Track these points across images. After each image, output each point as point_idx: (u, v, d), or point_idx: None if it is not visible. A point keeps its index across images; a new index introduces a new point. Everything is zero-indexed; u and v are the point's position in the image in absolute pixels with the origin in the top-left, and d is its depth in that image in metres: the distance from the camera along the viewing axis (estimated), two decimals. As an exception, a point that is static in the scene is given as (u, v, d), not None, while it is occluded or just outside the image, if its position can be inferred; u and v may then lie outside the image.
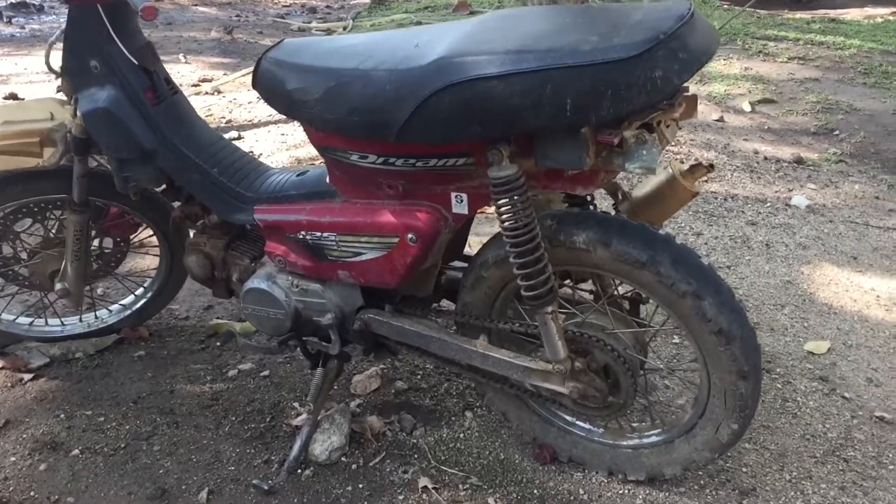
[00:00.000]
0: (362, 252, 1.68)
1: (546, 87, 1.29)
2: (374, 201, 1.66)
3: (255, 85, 1.66)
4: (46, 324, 2.37)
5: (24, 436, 1.97)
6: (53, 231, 2.18)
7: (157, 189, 2.00)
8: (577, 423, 1.80)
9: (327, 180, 1.75)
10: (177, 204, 2.04)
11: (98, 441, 1.94)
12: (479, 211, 1.63)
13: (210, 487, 1.78)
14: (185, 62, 6.00)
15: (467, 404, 2.02)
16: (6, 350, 2.30)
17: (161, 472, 1.84)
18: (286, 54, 1.61)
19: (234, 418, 2.01)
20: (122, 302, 2.42)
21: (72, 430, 1.99)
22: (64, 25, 1.84)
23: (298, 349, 1.88)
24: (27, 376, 2.20)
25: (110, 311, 2.40)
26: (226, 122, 4.39)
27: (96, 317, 2.39)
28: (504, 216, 1.47)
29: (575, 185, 1.48)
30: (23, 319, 2.34)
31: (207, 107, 4.74)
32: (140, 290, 2.41)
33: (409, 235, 1.60)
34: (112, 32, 1.77)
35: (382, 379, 2.11)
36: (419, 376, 2.14)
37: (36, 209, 2.12)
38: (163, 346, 2.36)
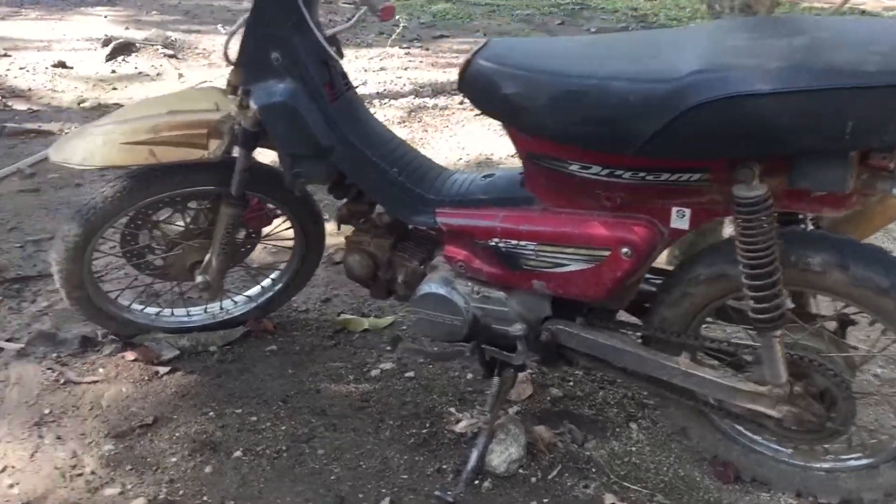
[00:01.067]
0: (565, 263, 1.62)
1: (827, 108, 1.24)
2: (581, 211, 1.61)
3: (462, 87, 1.60)
4: (172, 314, 2.30)
5: (178, 434, 1.92)
6: (194, 222, 2.11)
7: (325, 186, 1.93)
8: (764, 442, 1.76)
9: (523, 186, 1.69)
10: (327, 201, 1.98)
11: (257, 442, 1.89)
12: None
13: (390, 497, 1.73)
14: (226, 33, 5.88)
15: (629, 415, 1.98)
16: (134, 341, 2.24)
17: (332, 478, 1.79)
18: (501, 56, 1.55)
19: (391, 422, 1.96)
20: (248, 293, 2.36)
21: (226, 429, 1.93)
22: (246, 15, 1.76)
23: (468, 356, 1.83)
24: (162, 369, 2.14)
25: (235, 302, 2.34)
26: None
27: (221, 308, 2.33)
28: (746, 237, 1.42)
29: (822, 206, 1.43)
30: (150, 309, 2.28)
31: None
32: (267, 282, 2.35)
33: (624, 249, 1.55)
34: (311, 24, 1.70)
35: (534, 385, 2.06)
36: (571, 383, 2.10)
37: (178, 199, 2.05)
38: (292, 340, 2.31)
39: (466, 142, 3.63)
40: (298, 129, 1.78)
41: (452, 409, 1.99)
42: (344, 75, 1.86)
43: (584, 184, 1.54)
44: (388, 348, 2.18)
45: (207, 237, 2.11)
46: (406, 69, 4.89)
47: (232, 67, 1.85)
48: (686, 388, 1.66)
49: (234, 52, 1.83)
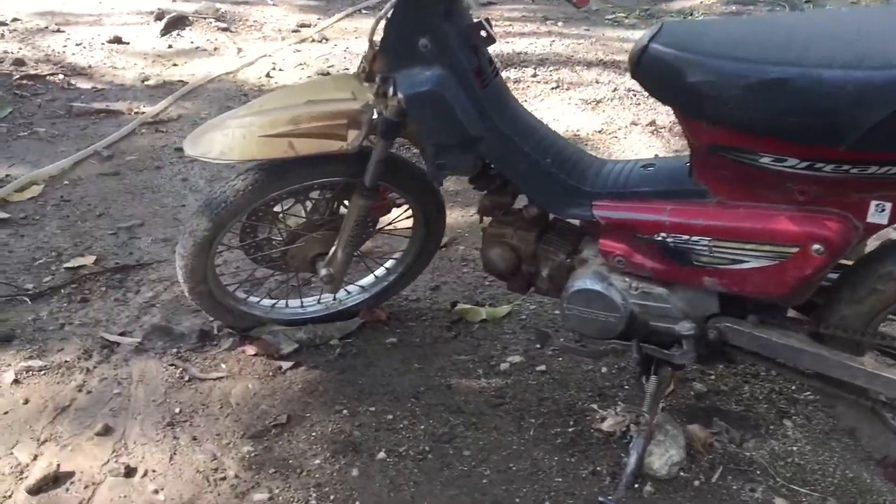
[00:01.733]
0: (744, 260, 1.54)
1: None
2: (764, 205, 1.52)
3: (636, 74, 1.51)
4: (287, 306, 2.24)
5: (315, 434, 1.86)
6: (316, 213, 2.03)
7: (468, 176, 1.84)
8: (940, 441, 1.68)
9: (692, 177, 1.60)
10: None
11: (398, 442, 1.83)
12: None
13: (549, 502, 1.66)
14: (274, 4, 5.75)
15: (781, 411, 1.91)
16: (251, 334, 2.17)
17: (484, 481, 1.73)
18: (682, 42, 1.46)
19: (532, 420, 1.90)
20: (361, 283, 2.29)
21: (363, 428, 1.87)
22: (393, 2, 1.67)
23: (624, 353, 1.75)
24: (285, 364, 2.08)
25: (349, 292, 2.27)
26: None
27: (335, 298, 2.26)
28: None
29: None
30: (266, 301, 2.22)
31: (324, 57, 4.52)
32: (381, 272, 2.27)
33: (815, 246, 1.46)
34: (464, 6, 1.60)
35: (675, 379, 1.99)
36: (713, 377, 2.02)
37: (300, 190, 1.97)
38: (409, 332, 2.24)
39: (548, 117, 3.51)
40: (446, 119, 1.69)
41: (594, 406, 1.93)
42: (491, 60, 1.77)
43: (773, 177, 1.46)
44: (538, 346, 2.10)
45: (330, 228, 2.04)
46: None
47: (370, 53, 1.76)
48: (861, 388, 1.58)
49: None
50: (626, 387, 1.99)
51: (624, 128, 3.42)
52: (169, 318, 2.27)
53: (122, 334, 2.20)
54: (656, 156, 2.97)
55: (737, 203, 1.55)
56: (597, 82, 3.90)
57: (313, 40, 4.85)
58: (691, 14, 5.55)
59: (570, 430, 1.86)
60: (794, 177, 1.43)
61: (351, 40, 4.83)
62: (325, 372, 2.06)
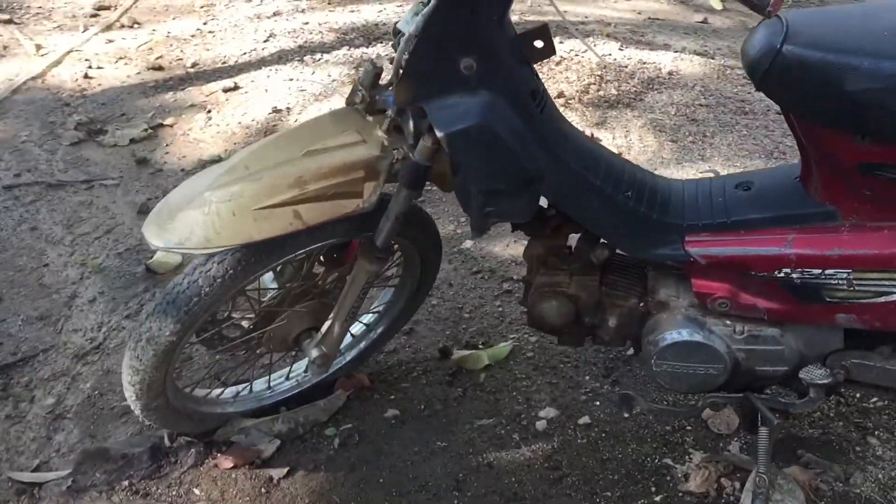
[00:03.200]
0: (891, 291, 1.30)
1: None
2: (911, 226, 1.28)
3: (765, 85, 1.21)
4: (251, 391, 1.78)
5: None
6: (295, 281, 1.59)
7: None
8: None
9: (814, 197, 1.33)
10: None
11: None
12: None
13: None
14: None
15: (859, 426, 1.73)
16: (216, 438, 1.70)
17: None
18: (822, 40, 1.18)
19: (607, 493, 1.60)
20: (335, 345, 1.85)
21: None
22: (422, 9, 1.24)
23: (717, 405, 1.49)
24: (276, 473, 1.64)
25: (321, 359, 1.83)
26: (194, 68, 3.57)
27: (306, 369, 1.81)
28: None
29: None
30: (228, 392, 1.74)
31: (146, 47, 3.83)
32: (360, 329, 1.86)
33: (978, 267, 1.24)
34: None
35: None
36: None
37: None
38: (406, 397, 1.85)
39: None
40: (501, 157, 1.31)
41: (669, 462, 1.65)
42: (535, 73, 1.39)
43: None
44: (626, 415, 1.76)
45: (314, 297, 1.60)
46: (301, 11, 4.23)
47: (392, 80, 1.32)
48: None
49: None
50: (689, 427, 1.72)
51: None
52: (92, 431, 1.74)
53: (37, 469, 1.65)
54: (713, 173, 2.62)
55: (878, 225, 1.30)
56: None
57: (122, 26, 4.12)
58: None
59: (656, 497, 1.58)
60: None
61: (169, 22, 4.15)
62: (331, 473, 1.64)
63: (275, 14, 4.17)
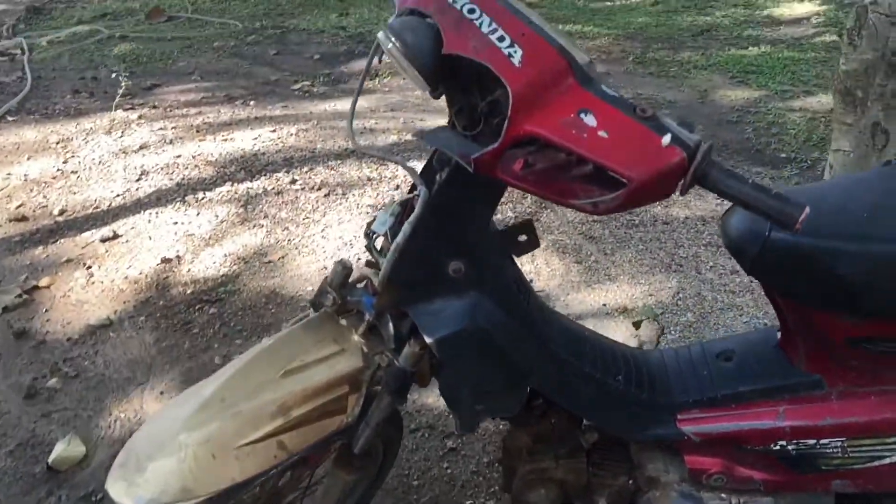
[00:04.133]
0: (884, 455, 1.32)
1: None
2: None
3: (755, 271, 1.23)
4: None
5: None
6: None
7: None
8: None
9: (799, 367, 1.34)
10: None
11: None
12: None
13: None
14: None
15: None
16: None
17: None
18: (807, 226, 1.19)
19: None
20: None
21: None
22: (413, 220, 1.18)
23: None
24: None
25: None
26: (62, 216, 3.31)
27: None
28: None
29: None
30: None
31: (3, 194, 3.55)
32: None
33: (969, 425, 1.28)
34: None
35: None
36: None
37: None
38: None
39: (349, 235, 3.07)
40: (493, 357, 1.26)
41: None
42: (516, 265, 1.35)
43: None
44: None
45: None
46: (170, 142, 4.06)
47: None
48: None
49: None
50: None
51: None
52: None
53: None
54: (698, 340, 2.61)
55: (865, 391, 1.32)
56: (368, 180, 3.52)
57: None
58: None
59: None
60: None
61: (24, 163, 3.86)
62: None
63: (141, 147, 3.99)
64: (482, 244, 1.23)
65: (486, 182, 1.09)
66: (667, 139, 0.96)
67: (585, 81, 1.00)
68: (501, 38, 1.00)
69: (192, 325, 2.60)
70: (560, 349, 1.32)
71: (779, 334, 1.39)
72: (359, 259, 2.92)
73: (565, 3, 8.11)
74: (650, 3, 7.96)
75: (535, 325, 1.31)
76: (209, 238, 3.07)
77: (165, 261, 2.91)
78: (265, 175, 3.56)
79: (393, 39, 1.02)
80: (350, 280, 1.34)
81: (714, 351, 1.44)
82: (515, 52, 0.99)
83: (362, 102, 4.84)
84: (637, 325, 2.51)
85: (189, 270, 2.87)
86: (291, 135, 4.09)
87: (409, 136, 4.05)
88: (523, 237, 1.28)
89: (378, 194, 3.37)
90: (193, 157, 3.81)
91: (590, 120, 0.98)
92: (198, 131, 4.24)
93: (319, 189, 3.42)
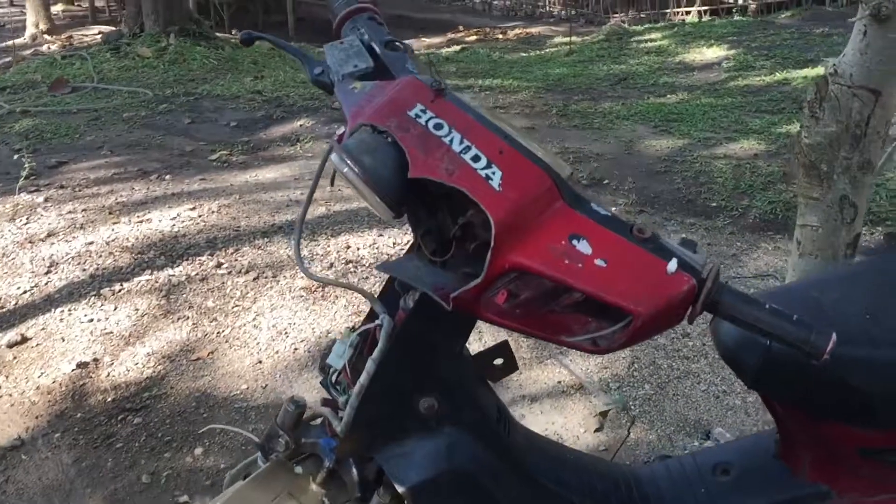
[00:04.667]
0: (901, 566, 1.21)
1: None
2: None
3: (758, 385, 1.12)
4: None
5: None
6: None
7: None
8: None
9: (804, 478, 1.23)
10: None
11: None
12: None
13: None
14: None
15: None
16: None
17: None
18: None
19: None
20: None
21: None
22: (377, 357, 1.03)
23: None
24: None
25: None
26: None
27: None
28: None
29: None
30: None
31: None
32: None
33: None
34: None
35: None
36: None
37: None
38: None
39: (283, 323, 2.88)
40: (475, 499, 1.11)
41: None
42: (494, 392, 1.21)
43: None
44: None
45: None
46: (81, 227, 3.82)
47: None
48: None
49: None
50: None
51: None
52: None
53: None
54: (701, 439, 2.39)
55: (878, 499, 1.21)
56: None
57: None
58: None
59: None
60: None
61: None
62: None
63: (49, 235, 3.74)
64: (455, 375, 1.08)
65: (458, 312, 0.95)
66: (673, 265, 0.83)
67: (574, 202, 0.88)
68: (476, 158, 0.87)
69: (114, 438, 2.37)
70: (547, 480, 1.18)
71: (776, 442, 1.28)
72: (295, 349, 2.73)
73: (481, 57, 8.17)
74: (564, 53, 8.06)
75: (518, 457, 1.16)
76: (129, 336, 2.84)
77: (81, 365, 2.67)
78: (187, 259, 3.34)
79: (349, 163, 0.88)
80: (304, 417, 1.18)
81: (708, 464, 1.31)
82: (494, 173, 0.86)
83: (285, 171, 4.71)
84: (604, 415, 2.38)
85: (108, 375, 2.63)
86: (213, 212, 3.89)
87: (337, 207, 3.90)
88: (499, 360, 1.15)
89: (310, 275, 3.20)
90: (107, 243, 3.57)
91: (583, 247, 0.85)
92: (111, 213, 4.01)
93: (247, 272, 3.22)
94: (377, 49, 1.08)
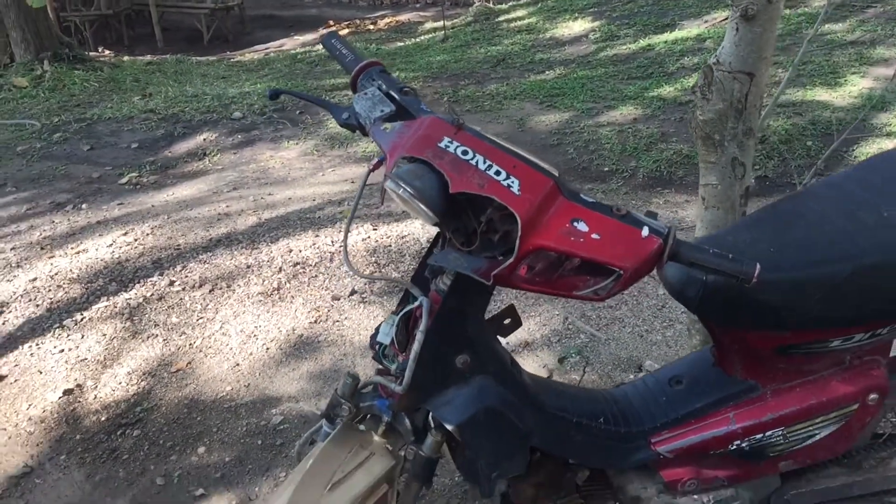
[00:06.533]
0: (816, 433, 1.62)
1: None
2: (813, 378, 1.62)
3: (700, 310, 1.50)
4: None
5: None
6: None
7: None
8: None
9: (737, 375, 1.63)
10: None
11: None
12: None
13: None
14: None
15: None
16: None
17: None
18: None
19: None
20: None
21: None
22: (423, 328, 1.34)
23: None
24: None
25: None
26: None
27: None
28: None
29: None
30: None
31: None
32: None
33: (871, 396, 1.61)
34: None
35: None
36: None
37: None
38: None
39: (250, 327, 3.12)
40: (504, 430, 1.45)
41: None
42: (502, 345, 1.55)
43: (838, 354, 1.56)
44: None
45: None
46: (17, 266, 3.91)
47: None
48: None
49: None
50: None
51: (333, 306, 3.21)
52: None
53: None
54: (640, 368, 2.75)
55: (791, 385, 1.62)
56: (248, 267, 3.57)
57: None
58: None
59: None
60: (854, 349, 1.55)
61: None
62: None
63: (-16, 272, 3.82)
64: (480, 335, 1.41)
65: (483, 286, 1.28)
66: (645, 231, 1.19)
67: (570, 195, 1.22)
68: (498, 173, 1.19)
69: (119, 451, 2.58)
70: (553, 408, 1.53)
71: (713, 354, 1.66)
72: (268, 349, 2.99)
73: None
74: (440, 39, 8.40)
75: (529, 393, 1.50)
76: (104, 359, 3.03)
77: (67, 392, 2.85)
78: (138, 282, 3.52)
79: (404, 186, 1.19)
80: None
81: (664, 378, 1.69)
82: (513, 182, 1.19)
83: (201, 186, 4.87)
84: (561, 360, 2.76)
85: (96, 397, 2.83)
86: (147, 234, 4.05)
87: (267, 215, 4.13)
88: (508, 320, 1.48)
89: (263, 280, 3.44)
90: (51, 276, 3.70)
91: (582, 227, 1.19)
92: (42, 248, 4.11)
93: (201, 286, 3.44)
94: (395, 95, 1.39)
